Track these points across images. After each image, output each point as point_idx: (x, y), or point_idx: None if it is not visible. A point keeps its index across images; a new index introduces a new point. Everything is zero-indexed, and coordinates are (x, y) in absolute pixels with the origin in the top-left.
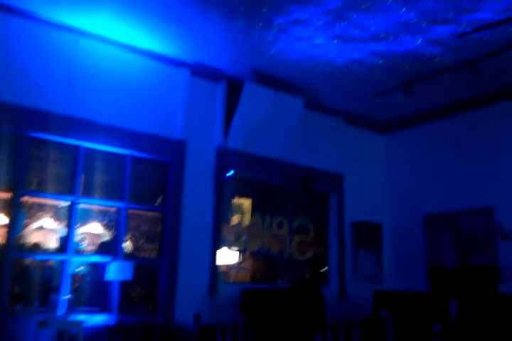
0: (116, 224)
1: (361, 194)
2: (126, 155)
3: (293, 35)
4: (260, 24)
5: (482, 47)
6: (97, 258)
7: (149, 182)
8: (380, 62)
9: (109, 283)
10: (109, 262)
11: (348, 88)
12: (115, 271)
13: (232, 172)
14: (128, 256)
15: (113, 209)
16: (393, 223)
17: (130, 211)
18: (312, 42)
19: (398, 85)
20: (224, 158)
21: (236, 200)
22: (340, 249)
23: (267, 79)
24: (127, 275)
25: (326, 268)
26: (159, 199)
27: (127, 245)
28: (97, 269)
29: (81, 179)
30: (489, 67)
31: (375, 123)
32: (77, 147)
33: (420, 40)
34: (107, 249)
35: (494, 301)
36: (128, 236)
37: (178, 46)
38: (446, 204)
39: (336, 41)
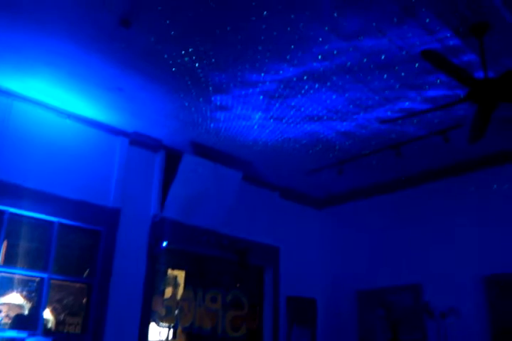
0: (37, 295)
1: (296, 268)
2: (54, 223)
3: (231, 112)
4: (201, 99)
5: (405, 133)
6: (12, 333)
7: (78, 251)
8: (314, 141)
9: None
10: (27, 337)
11: (283, 164)
12: None
13: (166, 243)
14: (48, 331)
15: (36, 279)
16: (327, 298)
17: (54, 281)
18: (249, 120)
19: (331, 164)
20: (159, 228)
21: (170, 272)
22: (274, 324)
23: (206, 151)
24: None
25: None
26: (88, 270)
27: (48, 318)
28: None
29: (3, 246)
30: (413, 150)
31: (309, 198)
32: (1, 212)
33: (349, 123)
34: (25, 322)
35: None
36: (50, 309)
37: (118, 115)
38: (377, 280)
39: (272, 120)
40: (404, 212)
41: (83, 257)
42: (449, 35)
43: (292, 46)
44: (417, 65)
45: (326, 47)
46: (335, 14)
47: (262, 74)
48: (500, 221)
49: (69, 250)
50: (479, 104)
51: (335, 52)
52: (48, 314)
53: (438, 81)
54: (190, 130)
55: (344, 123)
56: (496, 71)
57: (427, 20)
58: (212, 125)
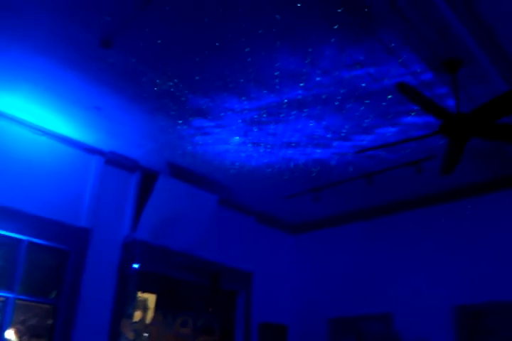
0: (0, 315)
1: (269, 293)
2: (22, 241)
3: (210, 136)
4: (180, 121)
5: (380, 162)
6: None
7: (45, 270)
8: (290, 167)
9: None
10: None
11: (260, 189)
12: None
13: (137, 265)
14: None
15: (0, 299)
16: (299, 325)
17: (19, 302)
18: (227, 144)
19: (307, 190)
20: (130, 249)
21: (140, 295)
22: None
23: (183, 173)
24: None
25: None
26: (54, 291)
27: (11, 340)
28: None
29: None
30: (387, 179)
31: (285, 224)
32: None
33: (325, 151)
34: None
35: None
36: (13, 330)
37: (94, 133)
38: (350, 307)
39: (250, 145)
40: (377, 240)
41: (50, 277)
42: (423, 69)
43: (275, 73)
44: (392, 96)
45: (306, 77)
46: (316, 47)
47: (243, 98)
48: (471, 251)
49: (36, 269)
50: (452, 138)
51: (316, 79)
52: (11, 335)
53: (413, 112)
54: (167, 151)
55: (320, 152)
56: (468, 105)
57: (403, 55)
58: (189, 147)
